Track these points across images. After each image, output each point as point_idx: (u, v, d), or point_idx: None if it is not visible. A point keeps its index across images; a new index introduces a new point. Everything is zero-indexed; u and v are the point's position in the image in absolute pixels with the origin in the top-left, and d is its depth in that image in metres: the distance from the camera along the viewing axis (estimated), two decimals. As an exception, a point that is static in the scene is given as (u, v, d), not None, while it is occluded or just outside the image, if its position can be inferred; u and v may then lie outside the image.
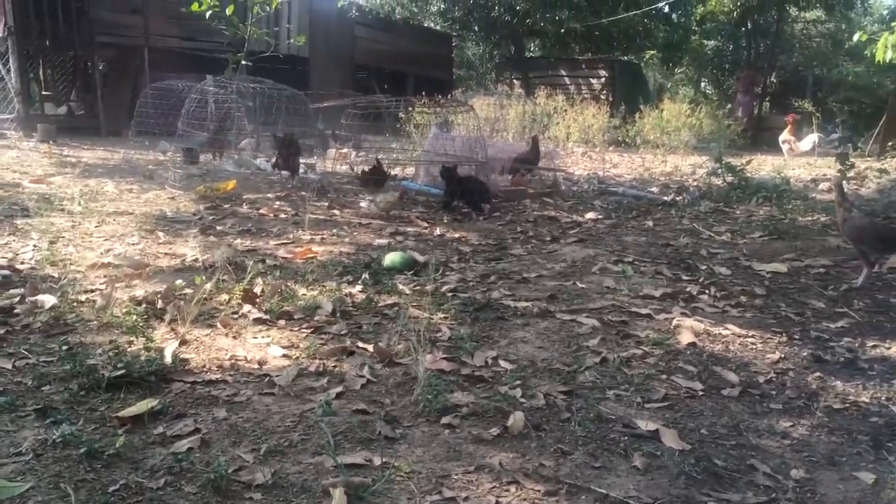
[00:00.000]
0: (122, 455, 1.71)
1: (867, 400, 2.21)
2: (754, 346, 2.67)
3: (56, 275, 3.19)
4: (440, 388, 2.13)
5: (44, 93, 13.71)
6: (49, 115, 12.81)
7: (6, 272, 3.17)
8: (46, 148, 9.05)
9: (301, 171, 7.70)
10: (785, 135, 12.02)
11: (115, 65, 13.51)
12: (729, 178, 7.22)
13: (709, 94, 26.41)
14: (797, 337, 2.78)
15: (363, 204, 5.65)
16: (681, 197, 6.80)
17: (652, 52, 23.68)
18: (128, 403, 1.96)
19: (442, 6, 21.82)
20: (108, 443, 1.75)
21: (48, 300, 2.75)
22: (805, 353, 2.59)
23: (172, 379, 2.16)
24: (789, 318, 3.04)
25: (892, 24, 10.79)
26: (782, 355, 2.57)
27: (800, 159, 11.68)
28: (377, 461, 1.73)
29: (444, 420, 1.97)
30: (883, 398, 2.22)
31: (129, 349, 2.33)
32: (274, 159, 7.27)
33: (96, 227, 4.35)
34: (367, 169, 5.83)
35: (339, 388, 2.16)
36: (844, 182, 4.76)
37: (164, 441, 1.80)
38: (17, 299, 2.78)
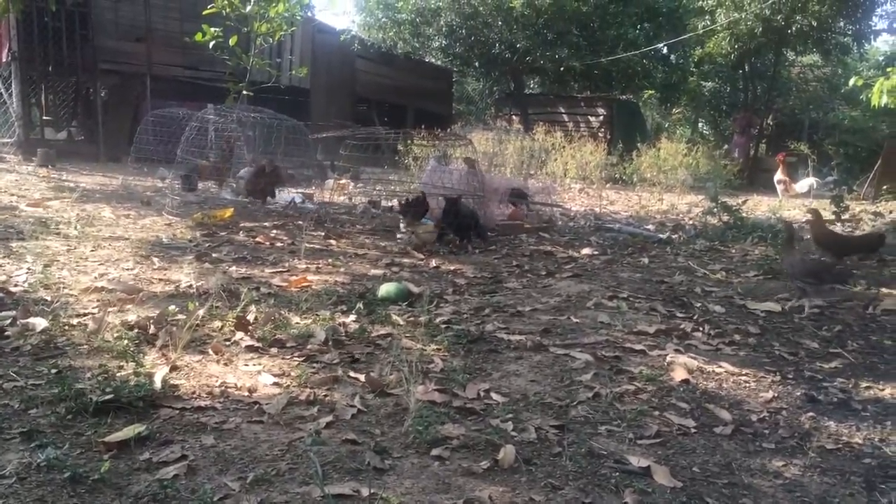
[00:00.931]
0: (106, 481, 1.68)
1: (860, 441, 2.19)
2: (748, 385, 2.66)
3: (49, 298, 3.17)
4: (431, 420, 2.11)
5: (44, 118, 13.77)
6: (49, 139, 12.86)
7: (-1, 294, 3.16)
8: (45, 172, 9.08)
9: (299, 200, 7.73)
10: (779, 175, 12.08)
11: (116, 91, 13.61)
12: (724, 218, 7.25)
13: (706, 134, 26.68)
14: (791, 376, 2.77)
15: (399, 235, 5.66)
16: (676, 235, 6.82)
17: (650, 91, 23.94)
18: (115, 428, 1.94)
19: (443, 42, 22.06)
20: (92, 468, 1.73)
21: (39, 323, 2.74)
22: (798, 393, 2.58)
23: (161, 405, 2.14)
24: (783, 357, 3.04)
25: (888, 69, 10.94)
26: (776, 394, 2.56)
27: (795, 200, 11.74)
28: (365, 492, 1.71)
29: (434, 452, 1.95)
30: (876, 439, 2.21)
31: (118, 374, 2.31)
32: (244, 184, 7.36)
33: (91, 251, 4.35)
34: (409, 199, 5.77)
35: (329, 418, 2.14)
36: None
37: (149, 467, 1.78)
38: (9, 322, 2.77)
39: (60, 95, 14.22)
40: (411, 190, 7.49)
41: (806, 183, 11.93)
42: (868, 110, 13.85)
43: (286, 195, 7.85)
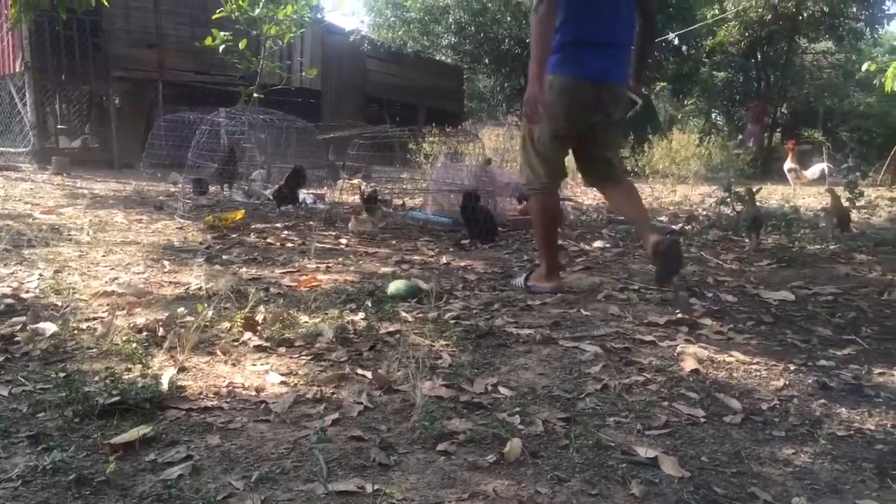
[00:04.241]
0: (111, 482, 1.69)
1: (872, 427, 2.16)
2: (758, 374, 2.63)
3: (59, 303, 3.20)
4: (437, 415, 2.10)
5: (59, 126, 13.92)
6: (63, 147, 13.00)
7: (10, 300, 3.19)
8: (60, 180, 9.18)
9: (310, 201, 7.75)
10: (789, 163, 11.97)
11: (129, 98, 13.74)
12: (738, 208, 7.19)
13: (719, 124, 26.49)
14: (802, 364, 2.74)
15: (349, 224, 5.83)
16: (689, 226, 6.77)
17: (662, 83, 23.81)
18: (121, 430, 1.95)
19: (452, 40, 22.06)
20: (98, 469, 1.74)
21: (49, 328, 2.76)
22: (810, 380, 2.55)
23: (168, 406, 2.14)
24: (795, 345, 3.00)
25: (901, 53, 10.80)
26: (787, 382, 2.53)
27: (809, 188, 11.63)
28: (370, 488, 1.71)
29: (441, 447, 1.94)
30: (888, 425, 2.17)
31: (125, 376, 2.32)
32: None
33: (103, 256, 4.38)
34: (365, 195, 6.08)
35: (336, 415, 2.14)
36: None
37: (154, 468, 1.78)
38: (19, 327, 2.79)
39: (74, 104, 14.37)
40: (421, 188, 7.50)
41: (817, 168, 11.83)
42: (883, 96, 13.68)
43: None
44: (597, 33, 3.53)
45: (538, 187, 3.83)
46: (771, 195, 10.40)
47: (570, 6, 3.48)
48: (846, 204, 7.06)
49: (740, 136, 20.29)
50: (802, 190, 11.50)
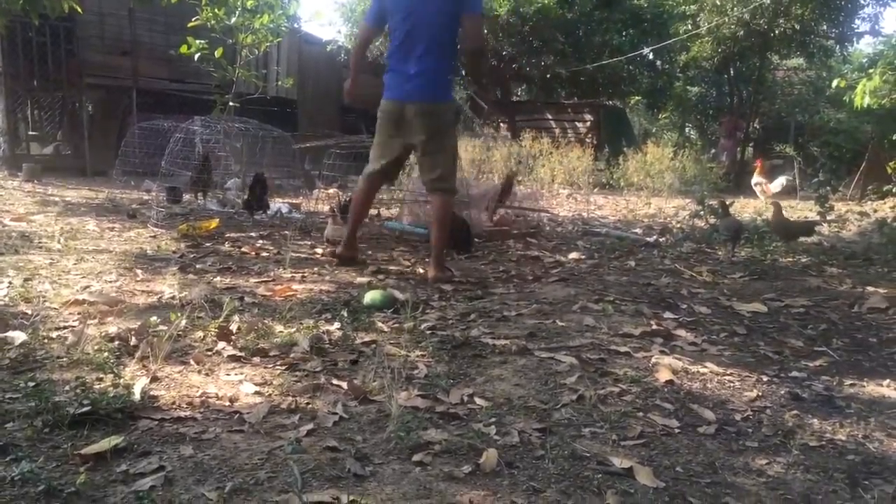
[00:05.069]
0: (81, 493, 1.66)
1: (844, 437, 2.19)
2: (732, 384, 2.65)
3: (29, 311, 3.14)
4: (413, 426, 2.10)
5: (30, 132, 13.73)
6: (35, 154, 12.81)
7: (-22, 308, 3.13)
8: (31, 187, 9.04)
9: (286, 210, 7.72)
10: (756, 177, 12.26)
11: (102, 105, 13.58)
12: (711, 220, 7.27)
13: (693, 138, 26.80)
14: (775, 375, 2.77)
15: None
16: (663, 238, 6.84)
17: (637, 97, 24.04)
18: (92, 441, 1.92)
19: (429, 51, 22.09)
20: (68, 480, 1.71)
21: (18, 336, 2.71)
22: (783, 391, 2.58)
23: (140, 416, 2.11)
24: (768, 356, 3.04)
25: (870, 71, 11.05)
26: (760, 393, 2.56)
27: (782, 202, 11.78)
28: (345, 499, 1.69)
29: (416, 457, 1.93)
30: (860, 436, 2.20)
31: (97, 386, 2.28)
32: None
33: (74, 264, 4.32)
34: (341, 205, 6.05)
35: (311, 426, 2.12)
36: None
37: (126, 479, 1.75)
38: (-13, 336, 2.73)
39: (46, 110, 14.19)
40: (398, 198, 7.49)
41: (779, 183, 12.18)
42: (853, 112, 13.95)
43: (273, 205, 7.82)
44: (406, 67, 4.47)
45: (367, 172, 4.77)
46: (744, 208, 10.53)
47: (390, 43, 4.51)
48: (815, 216, 7.18)
49: (713, 150, 20.56)
50: (769, 202, 11.67)
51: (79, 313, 3.19)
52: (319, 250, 5.38)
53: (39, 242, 4.91)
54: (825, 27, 18.53)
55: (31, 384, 2.28)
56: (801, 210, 10.50)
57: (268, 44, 10.41)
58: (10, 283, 3.68)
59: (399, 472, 1.87)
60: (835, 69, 23.07)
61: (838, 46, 19.47)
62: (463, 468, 1.88)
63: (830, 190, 8.02)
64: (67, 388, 2.25)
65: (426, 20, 4.36)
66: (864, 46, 23.60)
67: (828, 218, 7.43)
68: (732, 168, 18.62)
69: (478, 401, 2.38)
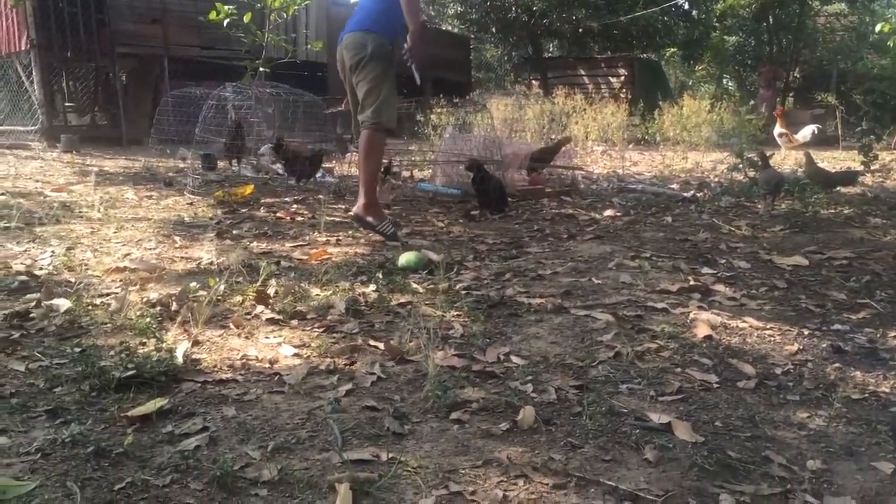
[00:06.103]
0: (129, 454, 1.71)
1: (887, 390, 2.16)
2: (772, 339, 2.62)
3: (73, 280, 3.22)
4: (450, 384, 2.11)
5: (67, 104, 13.89)
6: (72, 125, 12.98)
7: (24, 277, 3.21)
8: (69, 158, 9.18)
9: (319, 174, 7.74)
10: (778, 128, 11.79)
11: (135, 75, 13.67)
12: (750, 173, 7.13)
13: (731, 90, 26.18)
14: (816, 328, 2.73)
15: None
16: (701, 193, 6.72)
17: (672, 49, 23.51)
18: (137, 403, 1.97)
19: (459, 9, 21.81)
20: (116, 442, 1.76)
21: (63, 304, 2.78)
22: (824, 345, 2.54)
23: (183, 379, 2.16)
24: (809, 310, 2.99)
25: (916, 13, 10.60)
26: (801, 347, 2.52)
27: (823, 153, 11.49)
28: (384, 457, 1.72)
29: (454, 416, 1.95)
30: (904, 388, 2.17)
31: (140, 350, 2.34)
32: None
33: (114, 233, 4.39)
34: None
35: (349, 386, 2.15)
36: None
37: (172, 439, 1.80)
38: (34, 304, 2.80)
39: (82, 81, 14.30)
40: (430, 160, 7.47)
41: (808, 130, 11.65)
42: (897, 57, 13.46)
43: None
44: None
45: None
46: (784, 160, 10.29)
47: None
48: (858, 166, 7.00)
49: (752, 102, 20.05)
50: (797, 152, 11.34)
51: (120, 280, 3.25)
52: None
53: (80, 212, 5.00)
54: (869, -32, 17.85)
55: (78, 350, 2.34)
56: (843, 160, 10.23)
57: (296, 7, 10.36)
58: (53, 252, 3.76)
59: (437, 429, 1.89)
60: (878, 13, 22.26)
61: (882, -11, 18.76)
62: (500, 425, 1.90)
63: (874, 139, 7.79)
64: (112, 352, 2.30)
65: None
66: (911, -12, 22.74)
67: (871, 168, 7.23)
68: (772, 119, 18.17)
69: (514, 359, 2.38)
